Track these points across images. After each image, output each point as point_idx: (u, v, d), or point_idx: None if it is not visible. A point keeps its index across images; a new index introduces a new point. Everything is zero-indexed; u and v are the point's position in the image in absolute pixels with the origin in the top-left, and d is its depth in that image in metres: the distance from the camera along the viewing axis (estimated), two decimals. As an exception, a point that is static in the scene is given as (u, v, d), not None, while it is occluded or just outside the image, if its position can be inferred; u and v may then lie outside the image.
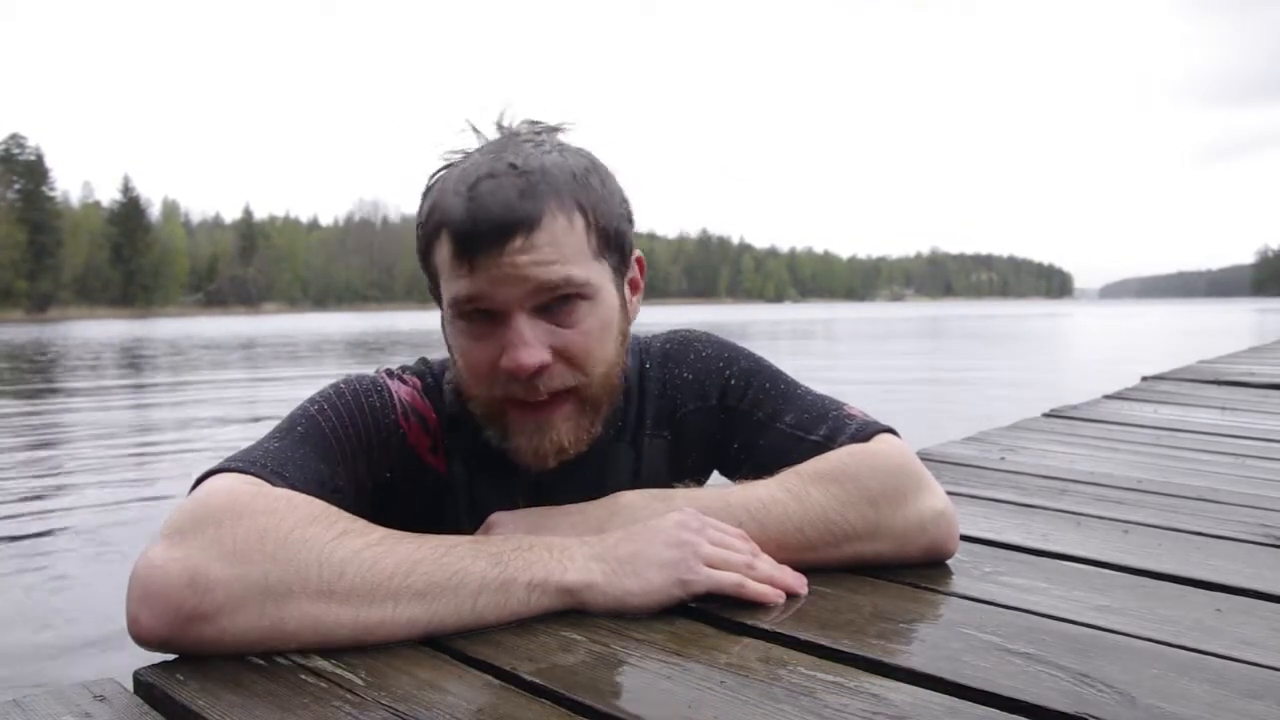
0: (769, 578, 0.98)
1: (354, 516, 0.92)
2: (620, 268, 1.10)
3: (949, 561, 1.15)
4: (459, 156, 1.07)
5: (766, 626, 0.92)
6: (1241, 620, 0.98)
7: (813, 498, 1.04)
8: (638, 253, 1.14)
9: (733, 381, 1.19)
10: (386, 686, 0.79)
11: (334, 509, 0.91)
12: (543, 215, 0.98)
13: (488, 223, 0.97)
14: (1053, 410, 3.00)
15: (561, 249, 1.00)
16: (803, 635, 0.90)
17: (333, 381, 1.11)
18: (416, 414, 1.12)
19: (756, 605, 0.96)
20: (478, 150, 1.06)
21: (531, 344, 1.00)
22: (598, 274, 1.04)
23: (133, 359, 17.98)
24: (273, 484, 0.92)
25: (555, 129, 1.10)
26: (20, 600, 3.07)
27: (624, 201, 1.10)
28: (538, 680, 0.80)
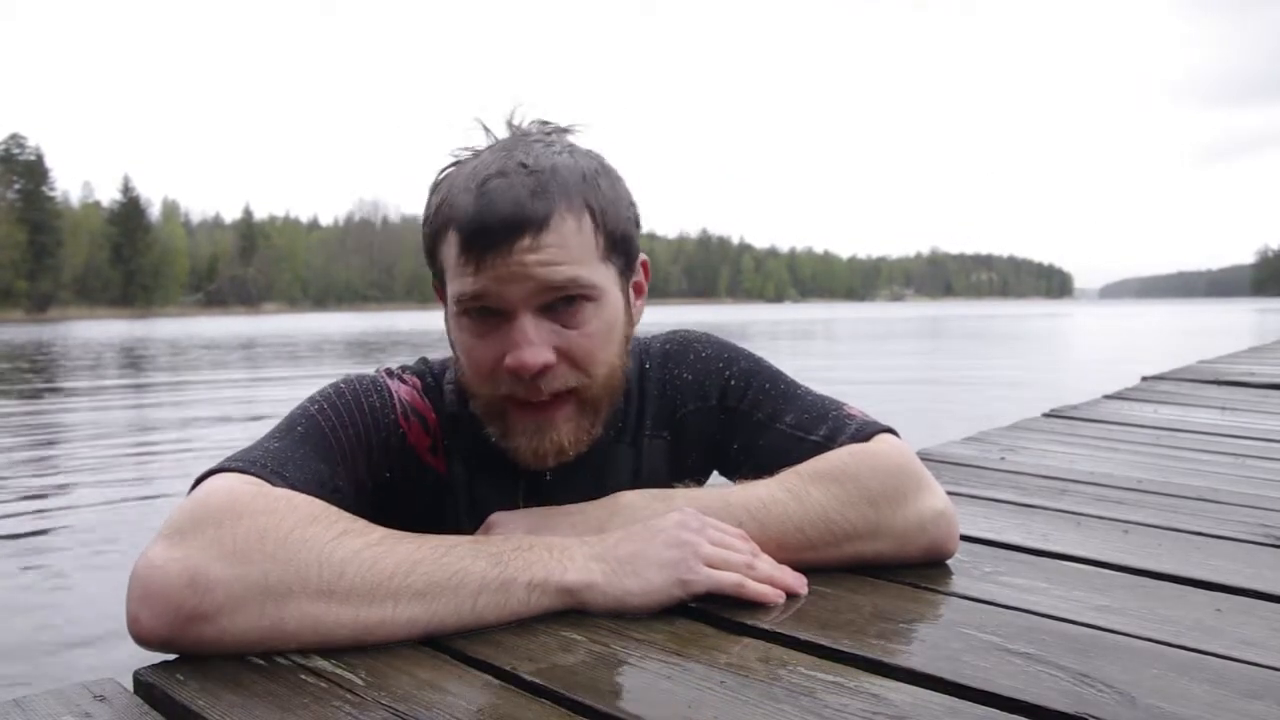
0: (769, 578, 0.98)
1: (354, 516, 0.92)
2: (626, 271, 1.10)
3: (949, 561, 1.15)
4: (468, 153, 1.07)
5: (766, 626, 0.92)
6: (1241, 620, 0.98)
7: (813, 497, 1.04)
8: (643, 256, 1.14)
9: (732, 382, 1.19)
10: (386, 686, 0.79)
11: (334, 509, 0.91)
12: (552, 215, 0.99)
13: (497, 220, 0.97)
14: (1053, 410, 2.99)
15: (569, 250, 1.00)
16: (803, 635, 0.90)
17: (332, 381, 1.11)
18: (416, 414, 1.12)
19: (756, 605, 0.96)
20: (488, 148, 1.06)
21: (536, 344, 1.00)
22: (604, 276, 1.04)
23: (133, 359, 17.98)
24: (273, 484, 0.92)
25: (565, 130, 1.10)
26: (20, 600, 3.07)
27: (632, 205, 1.10)
28: (538, 680, 0.80)
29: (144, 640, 0.83)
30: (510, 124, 1.10)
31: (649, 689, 0.79)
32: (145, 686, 0.81)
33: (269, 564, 0.84)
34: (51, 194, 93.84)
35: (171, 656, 0.85)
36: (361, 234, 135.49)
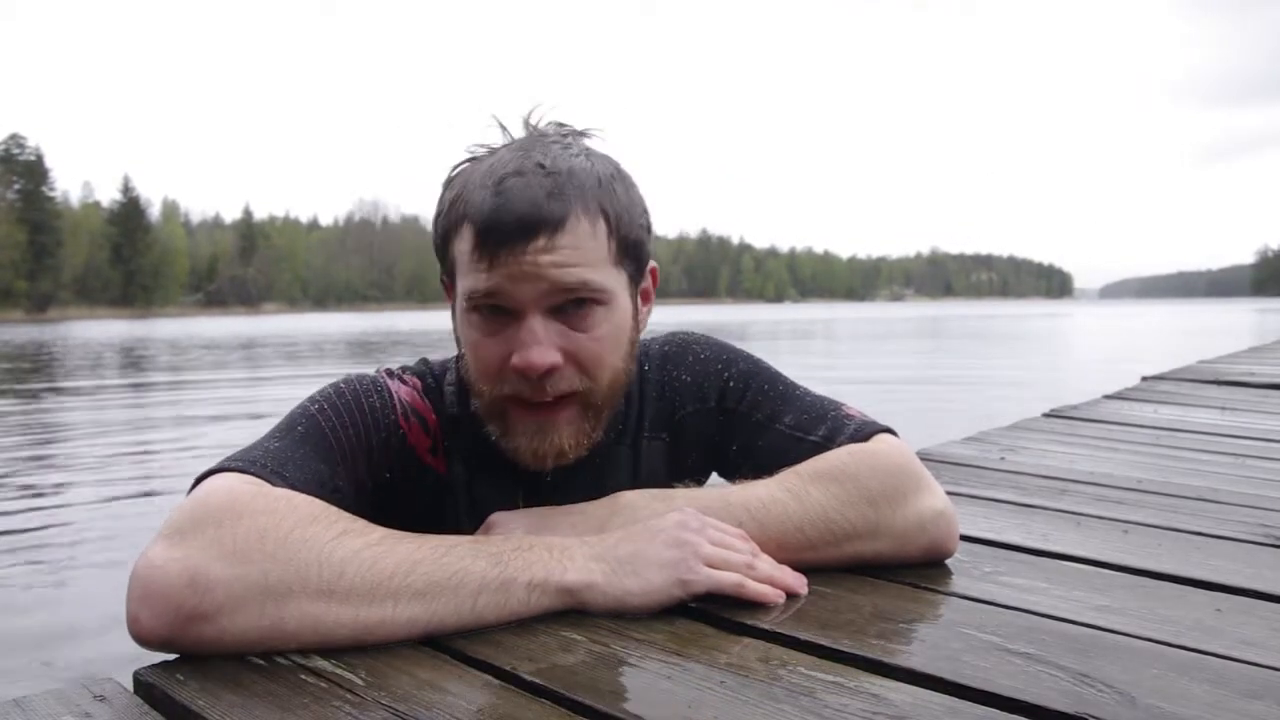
0: (769, 578, 0.98)
1: (354, 516, 0.92)
2: (636, 277, 1.10)
3: (949, 561, 1.15)
4: (483, 150, 1.07)
5: (766, 626, 0.92)
6: (1241, 620, 0.98)
7: (812, 497, 1.04)
8: (653, 264, 1.14)
9: (731, 383, 1.19)
10: (386, 686, 0.79)
11: (334, 509, 0.91)
12: (567, 217, 0.99)
13: (513, 219, 0.97)
14: (1053, 410, 3.00)
15: (583, 252, 1.00)
16: (803, 635, 0.90)
17: (333, 381, 1.11)
18: (417, 414, 1.12)
19: (756, 605, 0.96)
20: (504, 146, 1.06)
21: (544, 344, 1.00)
22: (615, 281, 1.05)
23: (133, 359, 17.98)
24: (272, 484, 0.92)
25: (582, 133, 1.10)
26: (20, 599, 3.07)
27: (645, 212, 1.10)
28: (538, 680, 0.80)
29: (144, 640, 0.83)
30: (527, 124, 1.10)
31: (649, 689, 0.79)
32: (145, 686, 0.81)
33: (269, 564, 0.84)
34: (51, 194, 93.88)
35: (171, 656, 0.85)
36: (361, 234, 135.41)
